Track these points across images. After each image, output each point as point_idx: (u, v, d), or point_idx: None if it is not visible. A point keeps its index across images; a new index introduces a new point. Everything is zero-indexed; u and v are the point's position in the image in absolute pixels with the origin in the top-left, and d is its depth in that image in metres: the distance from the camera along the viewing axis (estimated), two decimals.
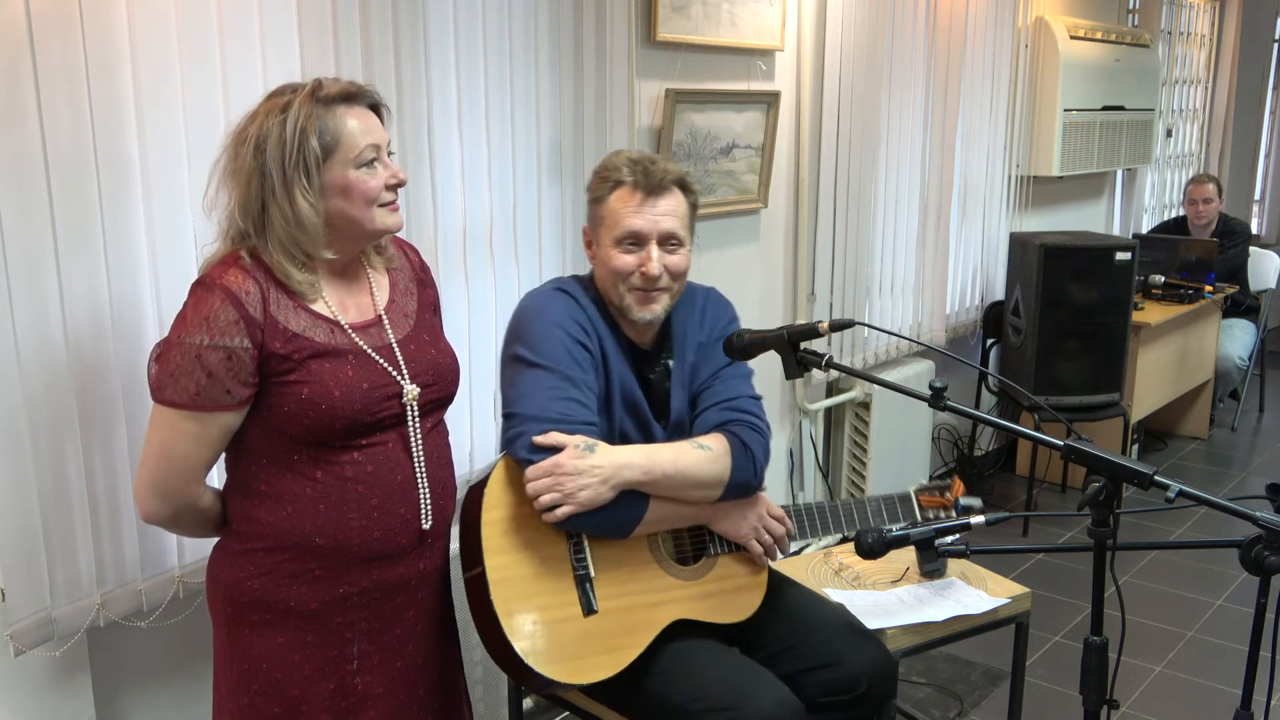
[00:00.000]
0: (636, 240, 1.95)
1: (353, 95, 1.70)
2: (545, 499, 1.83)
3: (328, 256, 1.70)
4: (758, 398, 2.08)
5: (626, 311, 1.98)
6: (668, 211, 1.96)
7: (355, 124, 1.68)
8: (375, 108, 1.74)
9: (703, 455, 1.94)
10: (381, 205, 1.71)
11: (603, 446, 1.88)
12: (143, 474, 1.68)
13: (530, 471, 1.84)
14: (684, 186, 2.00)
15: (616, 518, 1.88)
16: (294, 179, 1.62)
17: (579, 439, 1.85)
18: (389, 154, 1.74)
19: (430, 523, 1.78)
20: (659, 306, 1.98)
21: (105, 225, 1.91)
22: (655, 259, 1.94)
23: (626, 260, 1.95)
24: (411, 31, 2.34)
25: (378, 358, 1.73)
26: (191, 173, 2.01)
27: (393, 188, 1.73)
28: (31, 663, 1.92)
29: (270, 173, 1.62)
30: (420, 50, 2.37)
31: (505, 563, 1.85)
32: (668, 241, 1.96)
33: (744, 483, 1.98)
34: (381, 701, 1.78)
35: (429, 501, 1.77)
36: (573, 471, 1.82)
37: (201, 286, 1.63)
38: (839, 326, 1.87)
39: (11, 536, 1.84)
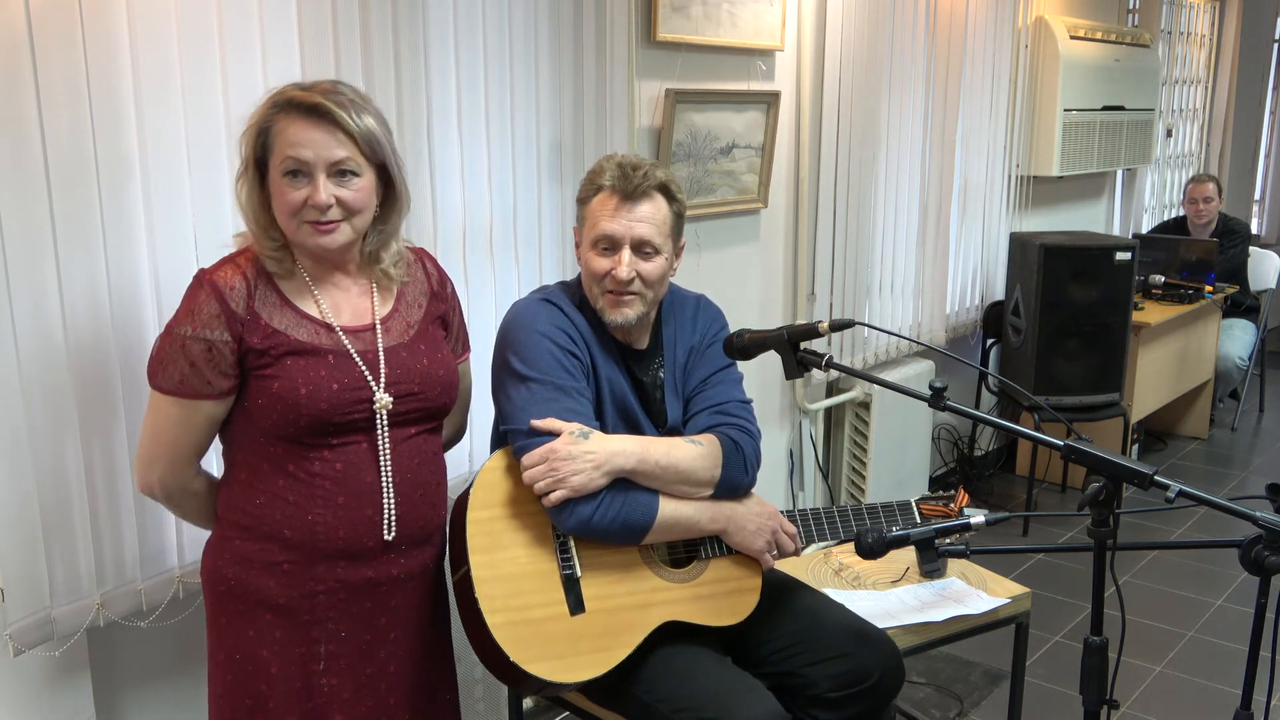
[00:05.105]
0: (610, 244, 1.97)
1: (300, 106, 1.65)
2: (540, 485, 1.85)
3: (269, 250, 1.71)
4: (748, 402, 2.10)
5: (600, 314, 2.00)
6: (643, 218, 1.96)
7: (291, 134, 1.65)
8: (347, 130, 1.67)
9: (695, 450, 1.95)
10: (307, 221, 1.68)
11: (598, 434, 1.90)
12: (140, 450, 1.78)
13: (526, 458, 1.86)
14: (667, 194, 1.99)
15: (628, 522, 1.88)
16: (239, 166, 1.71)
17: (575, 426, 1.88)
18: (338, 173, 1.67)
19: (393, 534, 1.77)
20: (630, 311, 1.98)
21: (105, 225, 1.91)
22: (626, 263, 1.95)
23: (600, 263, 1.97)
24: (411, 31, 2.33)
25: (360, 362, 1.74)
26: (191, 173, 2.01)
27: (316, 208, 1.66)
28: (31, 662, 1.92)
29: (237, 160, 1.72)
30: (420, 50, 2.36)
31: (491, 561, 1.86)
32: (641, 248, 1.96)
33: (735, 481, 1.99)
34: (349, 706, 1.79)
35: (394, 511, 1.77)
36: (566, 456, 1.84)
37: (195, 280, 1.72)
38: (839, 326, 1.89)
39: (11, 536, 1.85)
